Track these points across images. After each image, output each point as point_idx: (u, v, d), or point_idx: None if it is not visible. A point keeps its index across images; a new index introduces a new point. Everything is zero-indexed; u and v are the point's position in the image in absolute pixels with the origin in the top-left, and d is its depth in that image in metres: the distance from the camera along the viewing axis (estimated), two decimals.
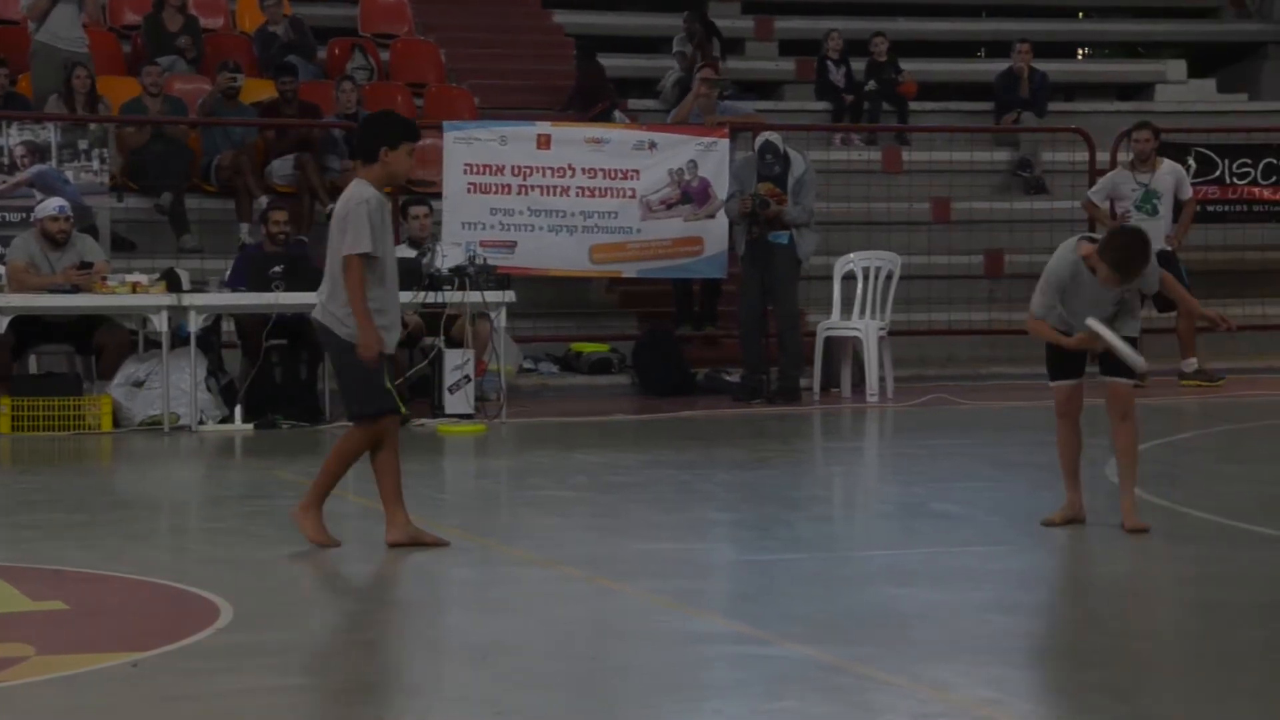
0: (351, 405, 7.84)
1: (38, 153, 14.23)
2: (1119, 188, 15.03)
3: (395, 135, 7.67)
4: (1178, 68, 21.00)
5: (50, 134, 14.37)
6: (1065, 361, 8.09)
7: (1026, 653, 6.08)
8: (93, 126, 14.72)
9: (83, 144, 14.47)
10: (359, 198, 7.55)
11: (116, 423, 12.24)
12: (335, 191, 15.43)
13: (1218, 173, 16.84)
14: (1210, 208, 16.59)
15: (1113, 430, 8.11)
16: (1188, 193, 14.90)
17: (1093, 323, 7.73)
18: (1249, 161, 16.99)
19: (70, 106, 14.90)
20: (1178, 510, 8.79)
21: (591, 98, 17.33)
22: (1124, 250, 7.70)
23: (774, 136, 14.23)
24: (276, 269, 12.60)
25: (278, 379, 12.67)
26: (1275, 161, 17.04)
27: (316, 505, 7.78)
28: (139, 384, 12.44)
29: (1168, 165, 14.87)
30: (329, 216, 14.93)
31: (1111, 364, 7.96)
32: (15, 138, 14.22)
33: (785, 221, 13.85)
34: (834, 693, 5.50)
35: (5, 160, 14.16)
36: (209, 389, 12.45)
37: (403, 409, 7.93)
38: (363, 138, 7.88)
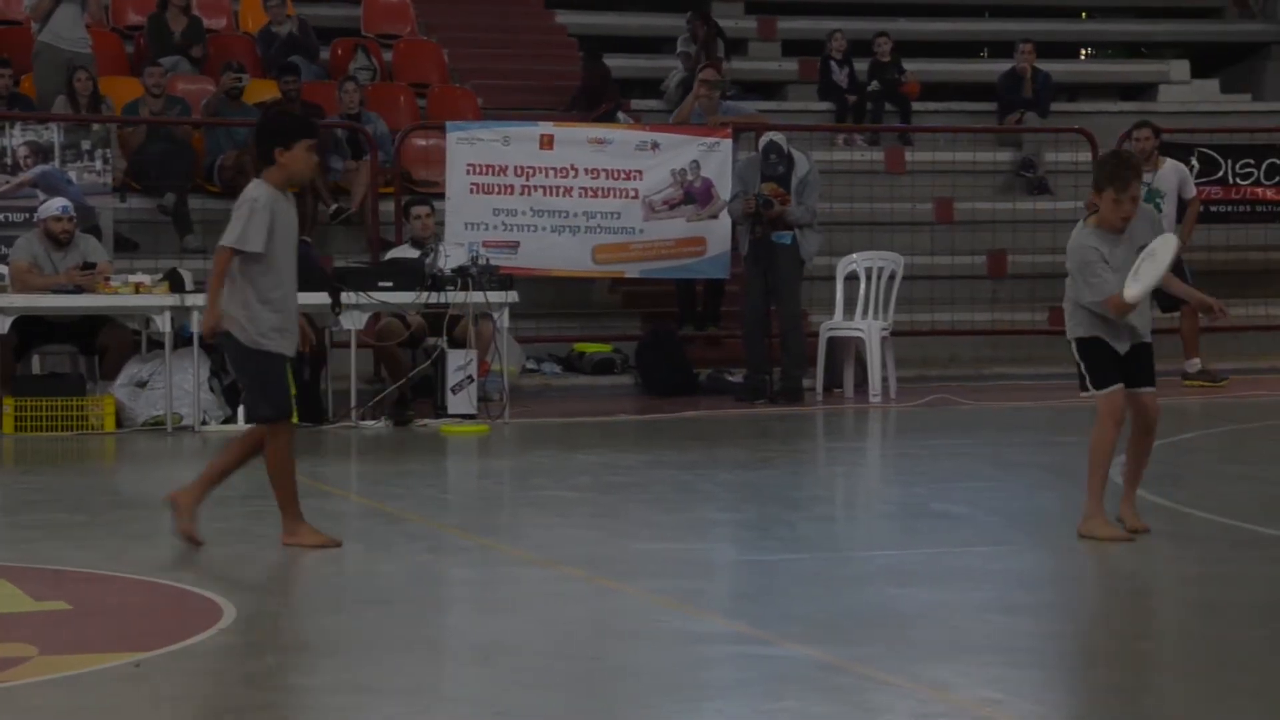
0: (257, 408, 7.85)
1: (41, 153, 14.24)
2: None
3: (289, 134, 7.63)
4: (1181, 68, 20.99)
5: (53, 134, 14.38)
6: (1113, 365, 7.71)
7: (1028, 652, 6.07)
8: (95, 127, 14.74)
9: (86, 144, 14.49)
10: (247, 197, 7.57)
11: (119, 423, 12.24)
12: (338, 192, 15.50)
13: (1221, 173, 16.83)
14: (1213, 208, 16.57)
15: (1135, 439, 7.88)
16: (1191, 192, 14.89)
17: (1131, 288, 7.45)
18: (1252, 162, 16.98)
19: (74, 107, 14.91)
20: (1181, 510, 8.78)
21: (596, 98, 17.33)
22: (1109, 160, 7.78)
23: (778, 137, 14.24)
24: None
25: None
26: (1278, 162, 17.02)
27: (295, 517, 7.74)
28: (142, 384, 12.45)
29: (1171, 165, 14.86)
30: (333, 216, 15.21)
31: (1139, 376, 7.74)
32: (19, 138, 14.23)
33: (789, 222, 13.85)
34: (834, 693, 5.49)
35: (9, 161, 14.18)
36: (212, 389, 12.46)
37: (295, 418, 7.86)
38: (257, 140, 7.77)
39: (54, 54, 15.56)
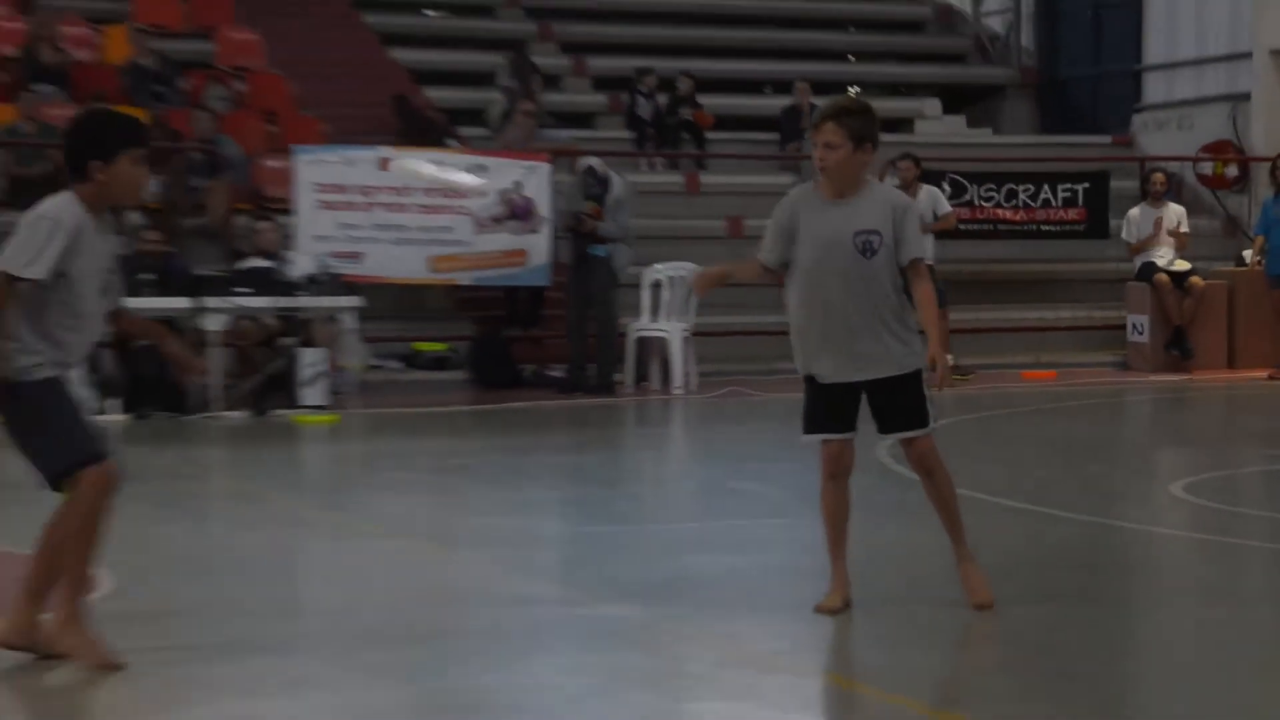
0: (48, 465, 5.20)
1: None
2: None
3: (110, 144, 5.24)
4: (934, 105, 21.45)
5: None
6: (830, 412, 5.85)
7: (811, 609, 6.17)
8: None
9: None
10: (47, 214, 5.17)
11: None
12: (198, 209, 15.23)
13: (967, 196, 17.22)
14: (961, 226, 16.95)
15: (923, 486, 6.04)
16: (946, 209, 15.24)
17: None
18: (994, 186, 17.39)
19: None
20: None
21: (425, 129, 17.23)
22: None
23: (595, 161, 14.31)
24: (148, 276, 12.39)
25: (149, 374, 12.43)
26: (1015, 187, 17.45)
27: (73, 614, 5.28)
28: None
29: (925, 190, 15.19)
30: (194, 230, 14.93)
31: (889, 419, 5.88)
32: None
33: (603, 236, 13.93)
34: (647, 646, 5.54)
35: None
36: (88, 383, 12.17)
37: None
38: (69, 147, 5.32)
39: None
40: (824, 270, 5.78)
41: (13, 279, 5.08)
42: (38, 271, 5.10)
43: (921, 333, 6.02)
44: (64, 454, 5.18)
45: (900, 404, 5.84)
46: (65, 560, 5.26)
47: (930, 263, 6.67)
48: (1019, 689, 5.10)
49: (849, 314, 5.75)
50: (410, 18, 21.31)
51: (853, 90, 23.07)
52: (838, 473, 5.88)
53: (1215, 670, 5.34)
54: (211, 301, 12.32)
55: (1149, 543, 7.69)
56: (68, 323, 5.22)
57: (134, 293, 12.16)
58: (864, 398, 5.90)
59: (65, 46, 16.71)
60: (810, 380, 5.88)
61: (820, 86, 20.00)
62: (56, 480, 5.22)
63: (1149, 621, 6.21)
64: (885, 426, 5.89)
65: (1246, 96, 19.02)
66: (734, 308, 16.29)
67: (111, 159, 5.22)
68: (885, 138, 21.17)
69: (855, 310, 5.75)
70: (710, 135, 18.96)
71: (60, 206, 5.21)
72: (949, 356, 14.74)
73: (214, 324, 12.35)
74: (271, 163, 15.73)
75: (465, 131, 18.07)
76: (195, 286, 12.47)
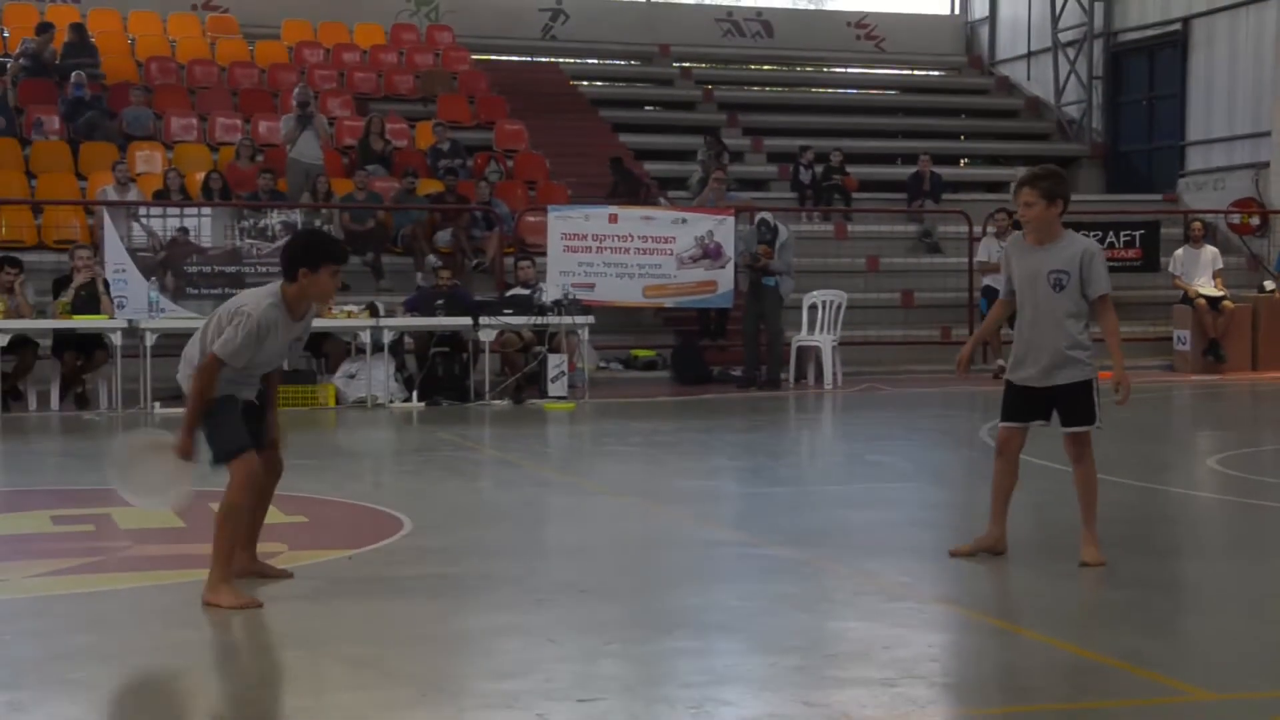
0: (215, 449, 5.03)
1: (290, 228, 14.22)
2: (989, 251, 14.94)
3: (316, 257, 4.96)
4: (1023, 172, 20.78)
5: (297, 216, 14.40)
6: (1014, 406, 5.68)
7: (929, 552, 5.97)
8: (324, 210, 14.77)
9: (318, 222, 14.48)
10: (245, 310, 4.93)
11: (337, 401, 12.23)
12: (478, 252, 15.43)
13: None
14: None
15: (1073, 471, 5.75)
16: None
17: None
18: None
19: (315, 198, 14.97)
20: (1056, 469, 8.61)
21: (636, 191, 17.24)
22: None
23: (767, 215, 14.19)
24: (439, 302, 12.59)
25: (440, 373, 12.63)
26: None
27: (224, 571, 4.98)
28: (352, 376, 12.43)
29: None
30: (475, 268, 15.15)
31: (1065, 416, 5.63)
32: (275, 218, 14.25)
33: (773, 270, 13.78)
34: (803, 578, 5.43)
35: (270, 234, 14.18)
36: (396, 379, 12.44)
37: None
38: (286, 254, 5.03)
39: (299, 166, 15.63)
40: (1025, 299, 5.63)
41: (220, 361, 4.94)
42: (236, 362, 4.97)
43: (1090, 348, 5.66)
44: (223, 443, 4.99)
45: (1075, 405, 5.60)
46: (217, 531, 4.94)
47: None
48: (1092, 613, 4.84)
49: (1041, 333, 5.57)
50: (634, 111, 21.41)
51: (963, 162, 22.56)
52: (1005, 452, 5.73)
53: (1254, 604, 4.99)
54: (485, 319, 12.46)
55: (1190, 504, 7.29)
56: (239, 378, 5.07)
57: (430, 313, 12.47)
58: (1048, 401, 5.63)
59: (389, 137, 17.14)
60: (1008, 382, 5.70)
61: (938, 159, 19.58)
62: (217, 460, 5.02)
63: (1192, 564, 5.85)
64: (1066, 422, 5.63)
65: (1266, 164, 18.36)
66: (869, 325, 16.00)
67: (315, 269, 4.94)
68: (986, 197, 20.74)
69: (1046, 330, 5.56)
70: (854, 195, 18.66)
71: (260, 306, 4.93)
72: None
73: (487, 336, 12.50)
74: (531, 218, 15.90)
75: (673, 194, 18.08)
76: (475, 309, 12.64)
